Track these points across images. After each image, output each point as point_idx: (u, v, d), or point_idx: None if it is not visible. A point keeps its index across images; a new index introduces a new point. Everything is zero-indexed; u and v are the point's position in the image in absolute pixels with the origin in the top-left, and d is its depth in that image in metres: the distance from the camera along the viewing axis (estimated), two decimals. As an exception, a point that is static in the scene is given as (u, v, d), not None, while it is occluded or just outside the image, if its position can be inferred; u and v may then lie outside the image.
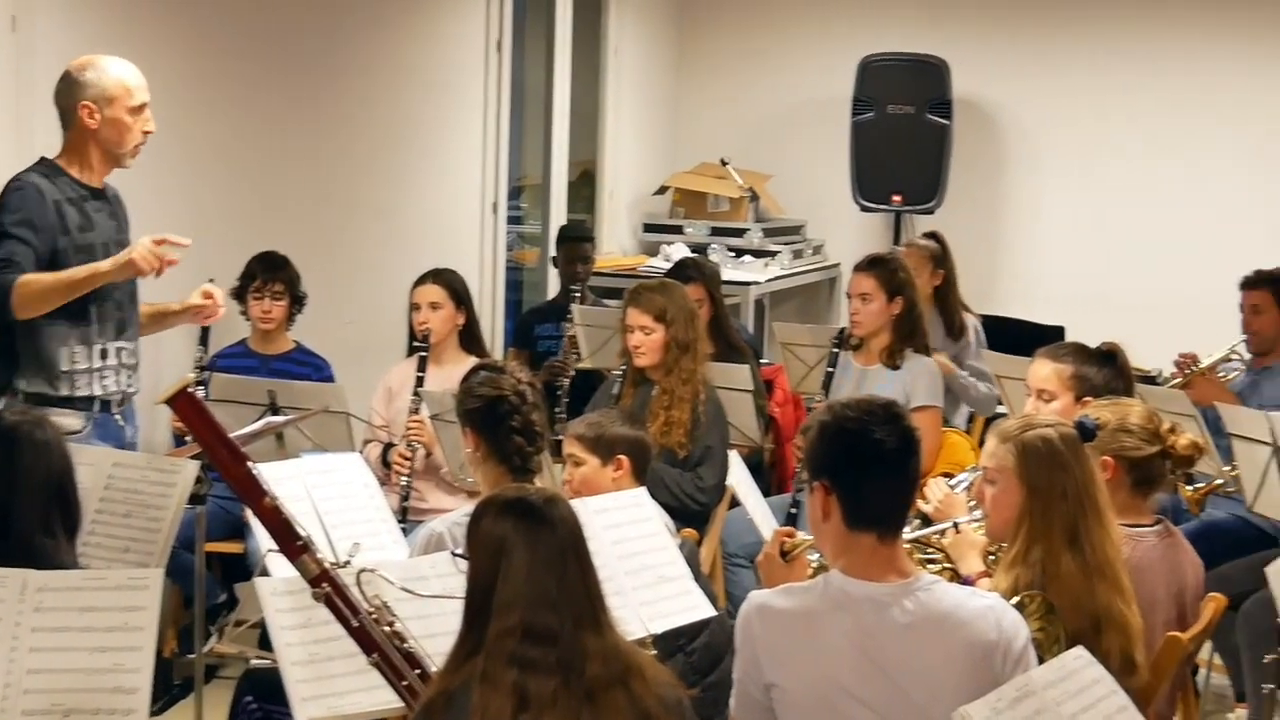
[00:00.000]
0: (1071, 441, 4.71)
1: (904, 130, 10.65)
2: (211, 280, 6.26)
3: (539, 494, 3.80)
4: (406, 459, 7.08)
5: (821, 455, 4.11)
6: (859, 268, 7.64)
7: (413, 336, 7.46)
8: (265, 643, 4.92)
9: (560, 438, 5.96)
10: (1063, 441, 4.69)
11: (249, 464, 4.08)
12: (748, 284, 10.27)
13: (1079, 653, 3.87)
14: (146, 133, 5.95)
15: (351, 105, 8.80)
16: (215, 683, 6.99)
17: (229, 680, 6.25)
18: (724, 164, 11.06)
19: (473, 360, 6.91)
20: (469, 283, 7.80)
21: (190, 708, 6.19)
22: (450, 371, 7.07)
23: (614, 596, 4.67)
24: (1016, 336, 7.36)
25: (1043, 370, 6.03)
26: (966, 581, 4.81)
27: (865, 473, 4.04)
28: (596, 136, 11.15)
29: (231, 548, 7.13)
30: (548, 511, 3.72)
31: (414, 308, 7.46)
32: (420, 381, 7.17)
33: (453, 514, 5.27)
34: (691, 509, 6.78)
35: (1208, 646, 7.12)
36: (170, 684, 7.05)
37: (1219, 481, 7.02)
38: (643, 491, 5.36)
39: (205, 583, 6.33)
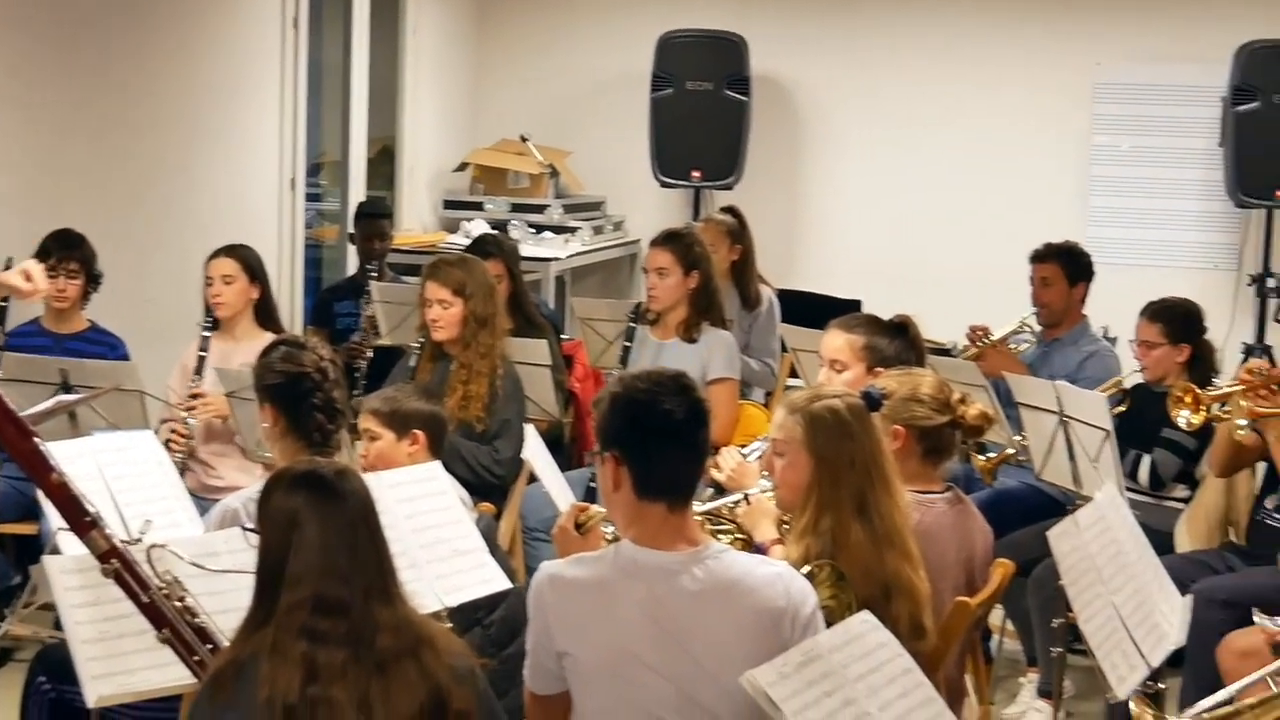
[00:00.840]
0: (858, 412, 4.76)
1: (703, 106, 10.71)
2: (10, 260, 6.18)
3: (330, 467, 3.80)
4: (184, 436, 7.03)
5: (612, 426, 4.13)
6: (655, 242, 7.68)
7: (207, 312, 7.39)
8: (61, 624, 4.86)
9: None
10: (850, 412, 4.73)
11: (35, 440, 4.04)
12: (548, 260, 10.28)
13: (865, 617, 3.94)
14: None
15: (147, 83, 8.71)
16: (10, 666, 6.92)
17: (24, 664, 6.18)
18: (524, 140, 11.06)
19: (269, 336, 6.88)
20: (267, 260, 7.75)
21: (-15, 690, 6.13)
22: (246, 347, 7.03)
23: (408, 570, 4.70)
24: (814, 310, 7.44)
25: (835, 341, 6.08)
26: (760, 550, 4.85)
27: (654, 443, 4.06)
28: (396, 113, 11.11)
29: (25, 529, 7.05)
30: (339, 484, 3.72)
31: (207, 281, 7.40)
32: (203, 358, 7.14)
33: (248, 490, 5.24)
34: (488, 481, 6.78)
35: (1001, 613, 7.27)
36: (-34, 667, 6.97)
37: (1010, 451, 7.15)
38: (437, 465, 5.37)
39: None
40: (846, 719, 3.61)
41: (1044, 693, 6.80)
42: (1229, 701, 3.82)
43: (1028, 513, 7.16)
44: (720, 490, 5.46)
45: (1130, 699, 4.08)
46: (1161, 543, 6.80)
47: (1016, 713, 7.05)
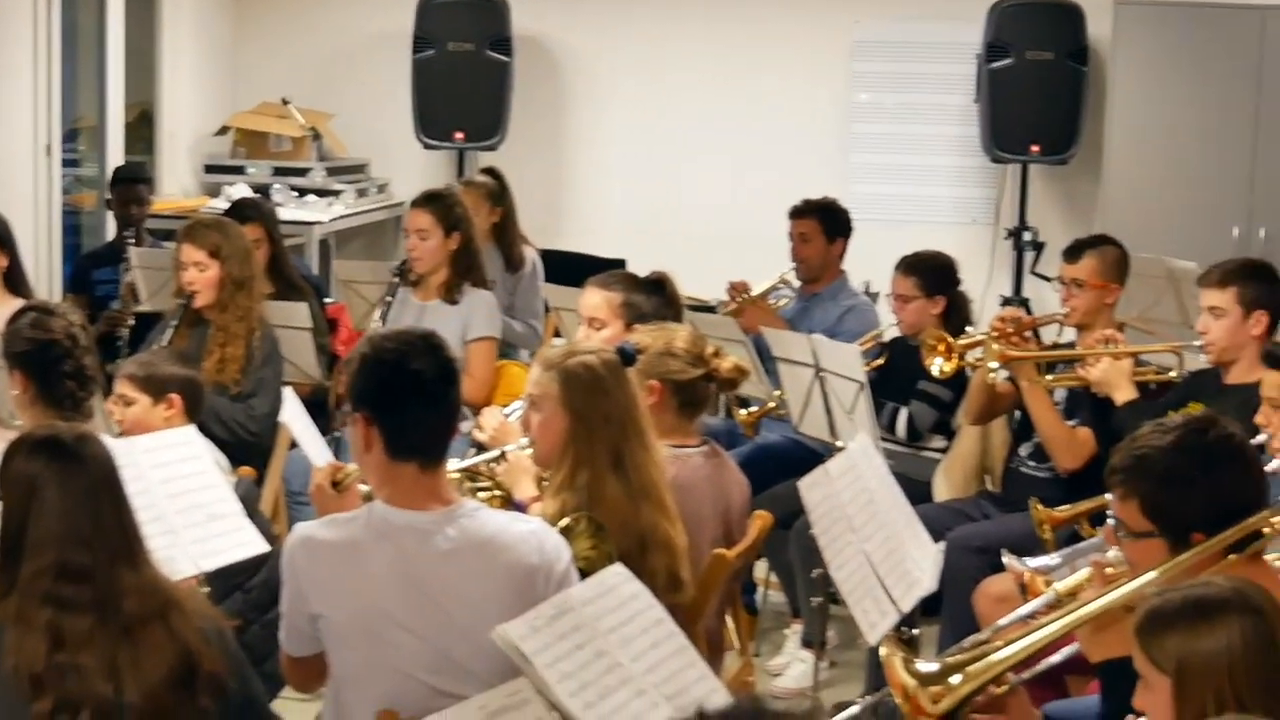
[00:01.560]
0: (613, 367, 4.80)
1: (464, 68, 10.64)
2: None
3: (70, 431, 3.76)
4: None
5: (361, 386, 4.13)
6: (415, 204, 7.64)
7: (-44, 282, 7.26)
8: None
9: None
10: (604, 367, 4.77)
11: None
12: (311, 224, 10.20)
13: (617, 570, 3.97)
14: None
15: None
16: None
17: None
18: (285, 104, 10.95)
19: (19, 302, 6.76)
20: (23, 227, 7.62)
21: None
22: (-2, 314, 6.92)
23: (164, 536, 4.68)
24: (579, 270, 7.45)
25: (593, 299, 6.13)
26: (519, 507, 4.87)
27: (404, 403, 4.06)
28: (154, 77, 10.93)
29: None
30: (79, 449, 3.69)
31: (-45, 253, 7.26)
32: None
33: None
34: (244, 439, 6.71)
35: (765, 565, 7.36)
36: None
37: (770, 405, 7.22)
38: (192, 430, 5.33)
39: None
40: (599, 670, 3.64)
41: (808, 643, 6.87)
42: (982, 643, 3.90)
43: (789, 466, 7.21)
44: (483, 451, 5.47)
45: (880, 642, 4.14)
46: (920, 492, 6.92)
47: (781, 664, 7.14)
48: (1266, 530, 3.89)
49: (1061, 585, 4.15)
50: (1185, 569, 3.72)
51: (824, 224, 8.24)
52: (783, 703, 2.64)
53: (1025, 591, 4.59)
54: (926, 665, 3.69)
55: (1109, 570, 4.00)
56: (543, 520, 4.40)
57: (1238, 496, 3.88)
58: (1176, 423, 3.98)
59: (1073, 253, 6.82)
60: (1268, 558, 4.11)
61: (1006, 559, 4.86)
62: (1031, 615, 4.25)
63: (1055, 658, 3.98)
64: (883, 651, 3.82)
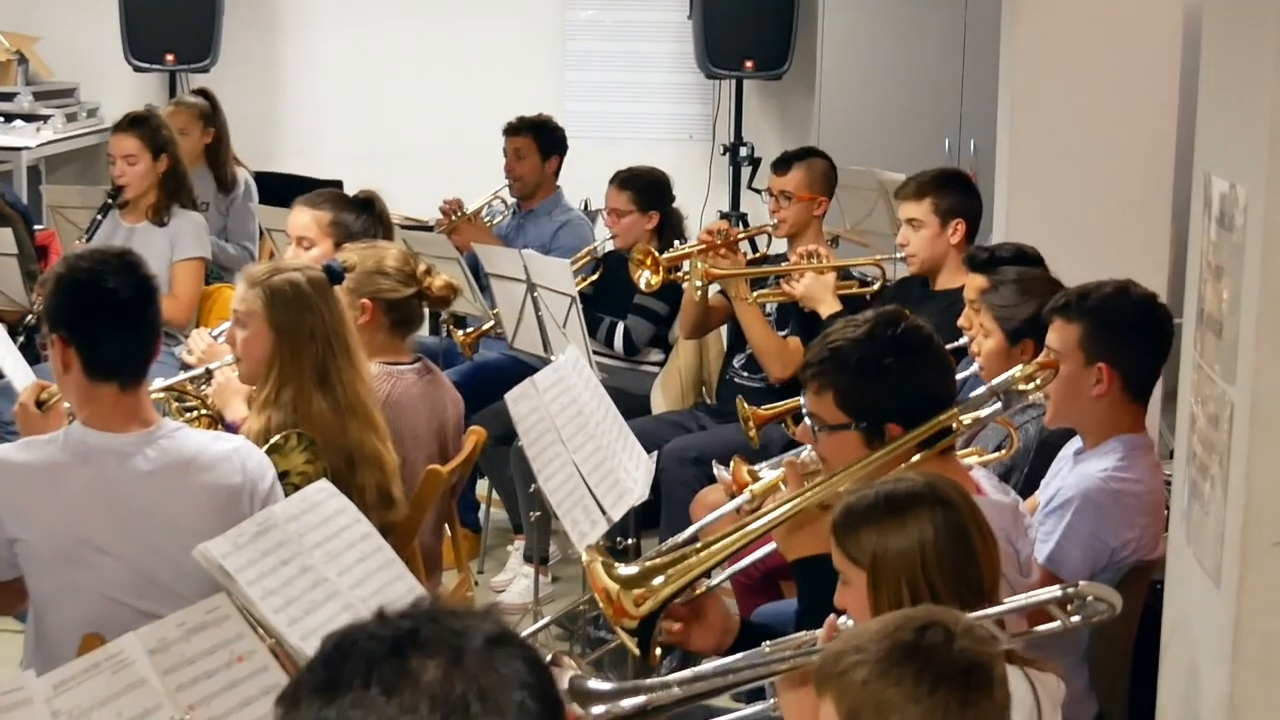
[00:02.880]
0: (319, 284, 4.78)
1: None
2: None
3: None
4: None
5: (57, 306, 4.08)
6: (119, 128, 7.51)
7: None
8: None
9: None
10: (310, 285, 4.76)
11: None
12: (19, 149, 9.97)
13: (321, 485, 3.97)
14: None
15: None
16: None
17: None
18: (-12, 27, 10.70)
19: None
20: None
21: None
22: None
23: None
24: (296, 191, 7.35)
25: (302, 218, 6.10)
26: (231, 428, 4.84)
27: (100, 323, 4.02)
28: None
29: None
30: None
31: None
32: None
33: None
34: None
35: (488, 485, 7.39)
36: None
37: (488, 325, 7.23)
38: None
39: None
40: (304, 585, 3.64)
41: (529, 558, 6.91)
42: (687, 544, 3.95)
43: (508, 383, 7.16)
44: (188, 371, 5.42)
45: (584, 549, 4.18)
46: (638, 406, 7.01)
47: (504, 580, 7.17)
48: (955, 426, 3.97)
49: (757, 486, 4.20)
50: (878, 467, 3.79)
51: (538, 141, 8.25)
52: None
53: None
54: (628, 569, 3.73)
55: (804, 470, 4.07)
56: (248, 439, 4.38)
57: (930, 386, 3.97)
58: (867, 317, 4.06)
59: (780, 165, 6.92)
60: (964, 460, 4.22)
61: (717, 470, 4.93)
62: (731, 514, 4.32)
63: (753, 556, 4.04)
64: (585, 558, 3.86)
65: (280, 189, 8.47)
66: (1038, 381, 4.40)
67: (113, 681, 3.14)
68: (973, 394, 4.40)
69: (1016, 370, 4.44)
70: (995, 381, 4.40)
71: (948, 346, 4.36)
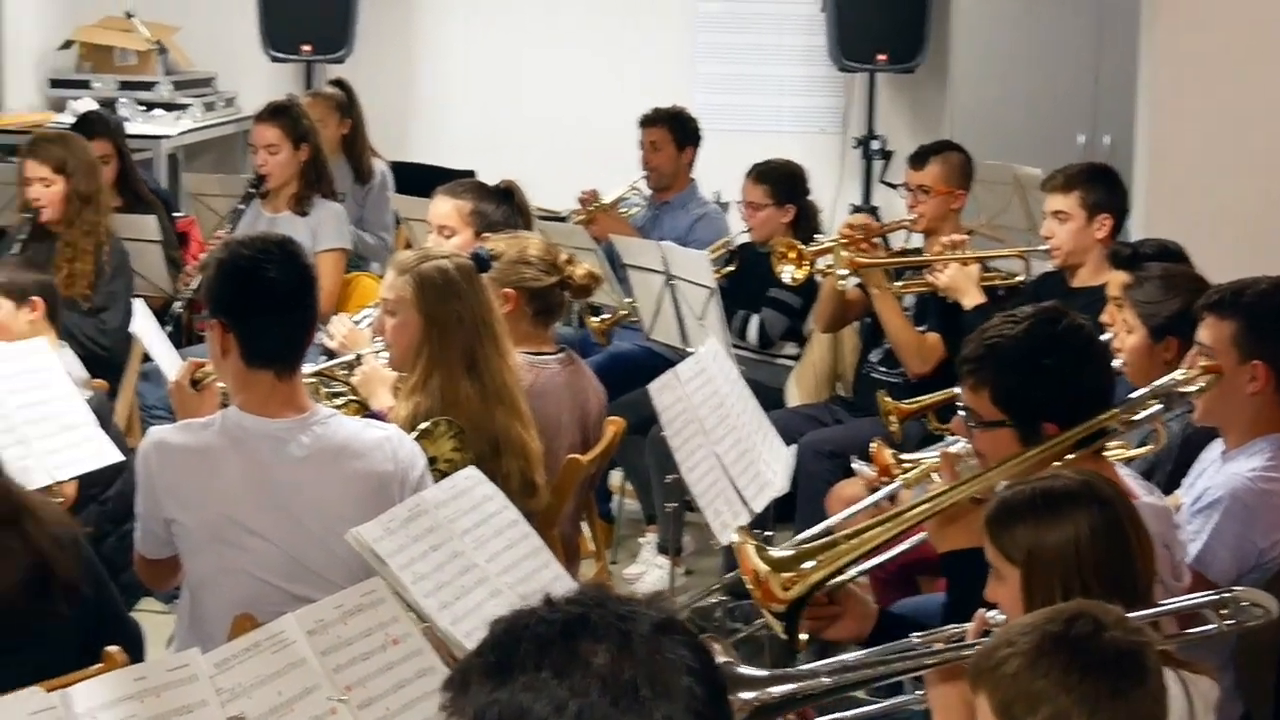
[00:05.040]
0: (467, 272, 4.83)
1: (312, -21, 10.58)
2: None
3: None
4: None
5: (217, 292, 4.14)
6: (260, 118, 7.60)
7: None
8: None
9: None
10: (458, 272, 4.81)
11: None
12: (159, 138, 10.09)
13: (470, 472, 4.00)
14: None
15: None
16: None
17: None
18: (129, 17, 10.79)
19: None
20: None
21: None
22: None
23: (17, 447, 4.67)
24: (429, 181, 7.42)
25: (442, 207, 6.14)
26: (378, 416, 4.89)
27: (260, 311, 4.08)
28: (-6, -10, 10.76)
29: None
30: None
31: None
32: None
33: None
34: (96, 353, 6.66)
35: (622, 474, 7.42)
36: None
37: (623, 312, 7.27)
38: (43, 341, 5.33)
39: None
40: (454, 571, 3.68)
41: (663, 549, 6.92)
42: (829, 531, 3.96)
43: (643, 373, 7.19)
44: (334, 358, 5.48)
45: (733, 532, 4.19)
46: (772, 399, 6.99)
47: (637, 571, 7.18)
48: (1114, 426, 3.95)
49: (910, 475, 4.20)
50: (1032, 464, 3.78)
51: (674, 132, 8.28)
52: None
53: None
54: (779, 551, 3.74)
55: (958, 462, 4.06)
56: (398, 426, 4.42)
57: (1087, 386, 3.94)
58: (1027, 313, 4.03)
59: (918, 159, 6.90)
60: (1110, 455, 4.20)
61: (856, 465, 4.93)
62: (878, 505, 4.32)
63: (902, 546, 4.03)
64: (735, 539, 3.86)
65: (415, 179, 8.54)
66: (1200, 385, 4.36)
67: (273, 661, 3.19)
68: (1130, 395, 4.35)
69: (1179, 373, 4.40)
70: (1158, 383, 4.35)
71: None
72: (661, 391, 4.94)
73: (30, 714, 2.86)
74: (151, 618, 5.45)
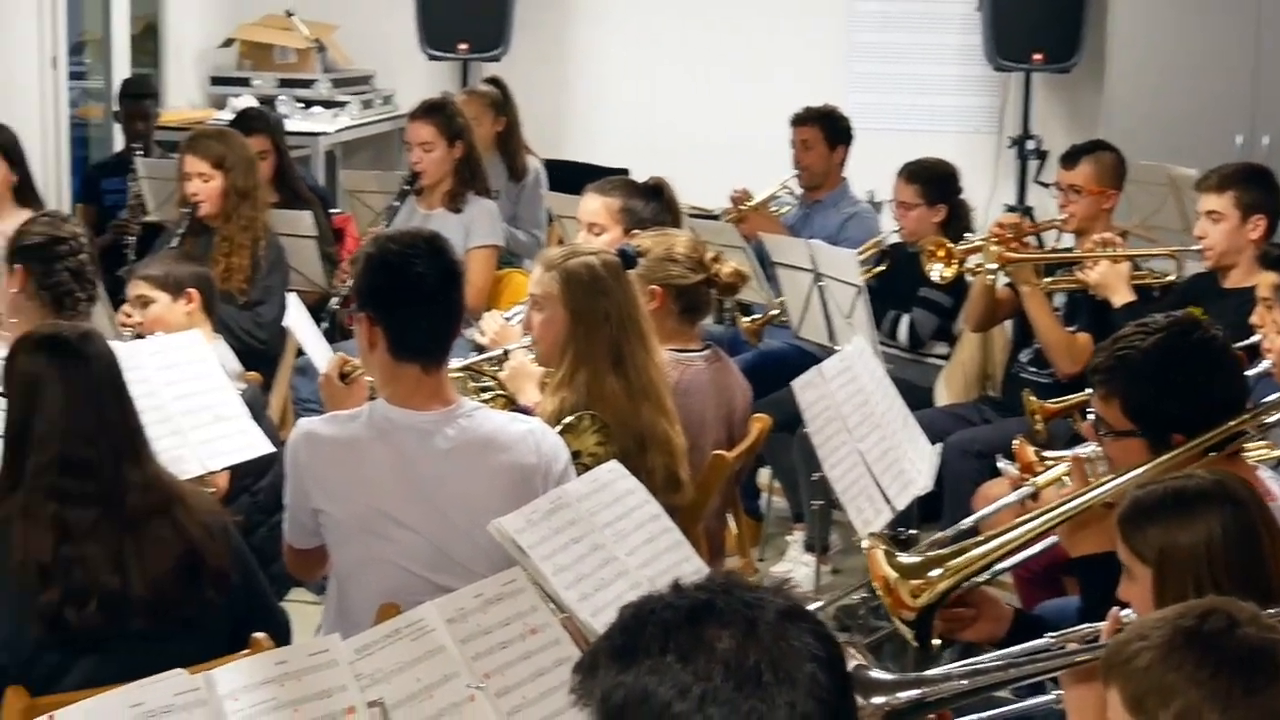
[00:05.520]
0: (614, 268, 4.86)
1: (468, -22, 10.68)
2: None
3: (72, 330, 3.83)
4: None
5: (366, 286, 4.19)
6: (415, 115, 7.69)
7: (-39, 193, 7.30)
8: None
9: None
10: (605, 268, 4.83)
11: None
12: (317, 135, 10.23)
13: (612, 466, 4.03)
14: None
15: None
16: None
17: None
18: (289, 15, 10.94)
19: (28, 214, 6.79)
20: (30, 139, 7.63)
21: None
22: (6, 227, 6.92)
23: (172, 437, 4.76)
24: (582, 179, 7.47)
25: (592, 205, 6.18)
26: (525, 411, 4.92)
27: (407, 304, 4.12)
28: (157, -11, 10.95)
29: None
30: (82, 347, 3.75)
31: (-38, 168, 7.29)
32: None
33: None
34: (252, 346, 6.75)
35: (770, 472, 7.43)
36: None
37: (773, 312, 7.29)
38: (198, 333, 5.42)
39: None
40: (594, 563, 3.70)
41: (810, 547, 6.93)
42: (968, 534, 3.96)
43: (792, 372, 7.22)
44: (485, 353, 5.53)
45: (868, 535, 4.20)
46: (922, 398, 6.99)
47: (784, 570, 7.18)
48: (1246, 430, 3.93)
49: (1040, 479, 4.19)
50: (1163, 470, 3.76)
51: (825, 131, 8.27)
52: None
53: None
54: (908, 558, 3.74)
55: (1089, 467, 4.05)
56: (542, 419, 4.46)
57: (1218, 397, 3.92)
58: (1160, 323, 4.01)
59: (1070, 159, 6.87)
60: (1249, 458, 4.17)
61: (1002, 464, 4.91)
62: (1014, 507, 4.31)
63: (1032, 550, 4.02)
64: (866, 544, 3.87)
65: (569, 177, 8.59)
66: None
67: (412, 648, 3.24)
68: (1268, 397, 4.32)
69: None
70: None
71: (1239, 345, 4.30)
72: (805, 389, 4.95)
73: (175, 694, 2.93)
74: (302, 608, 5.53)
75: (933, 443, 5.66)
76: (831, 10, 10.83)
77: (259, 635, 3.68)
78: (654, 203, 6.20)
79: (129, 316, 5.88)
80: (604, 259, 4.88)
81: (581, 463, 4.37)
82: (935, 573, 3.72)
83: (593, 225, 6.14)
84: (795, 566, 7.13)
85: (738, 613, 1.99)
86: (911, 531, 5.66)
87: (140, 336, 5.56)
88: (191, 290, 5.85)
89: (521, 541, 3.61)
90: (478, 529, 3.85)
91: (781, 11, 10.82)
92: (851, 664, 3.12)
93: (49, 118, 9.64)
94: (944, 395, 7.29)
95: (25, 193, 7.40)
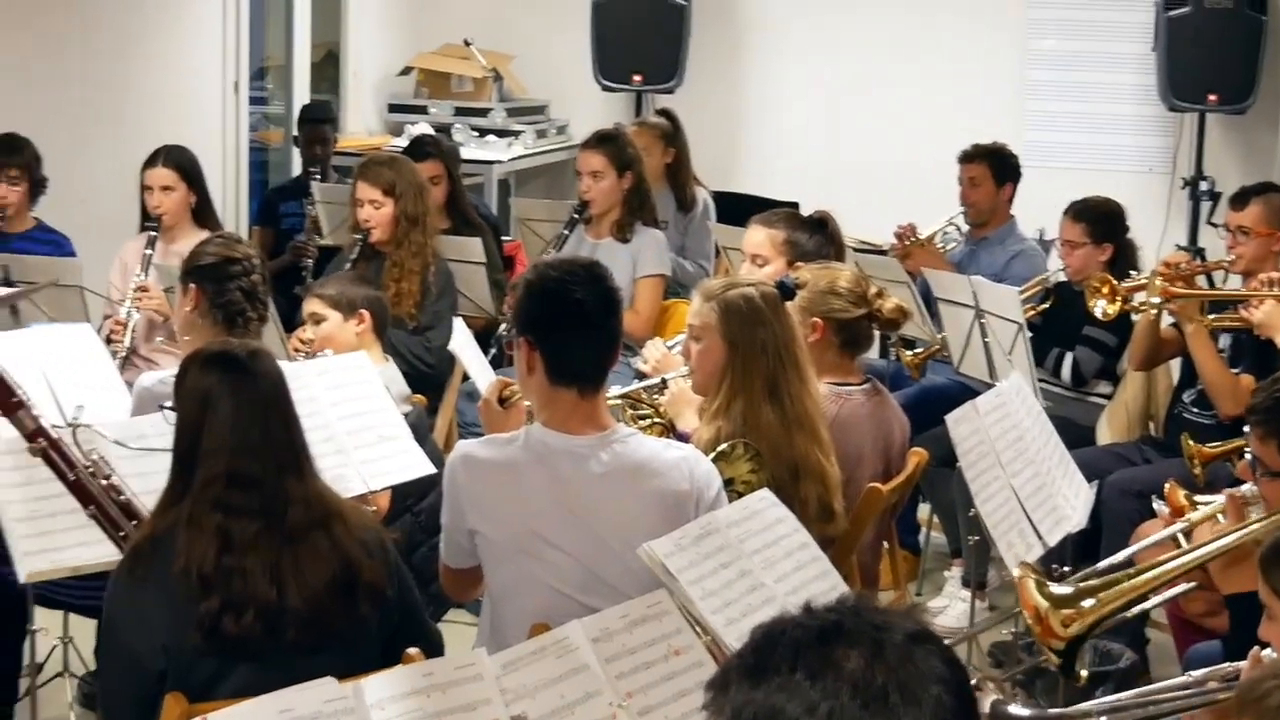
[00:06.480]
0: (772, 300, 4.90)
1: (643, 10, 10.72)
2: None
3: (243, 347, 3.93)
4: (121, 325, 7.09)
5: (525, 312, 4.25)
6: (587, 145, 7.79)
7: (145, 215, 7.45)
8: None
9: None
10: (763, 300, 4.87)
11: (-41, 323, 4.17)
12: (491, 163, 10.36)
13: (763, 494, 4.08)
14: None
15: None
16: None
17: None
18: (467, 44, 11.09)
19: (206, 234, 6.96)
20: (211, 162, 7.80)
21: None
22: (184, 247, 7.07)
23: (335, 455, 4.86)
24: (751, 211, 7.53)
25: (756, 236, 6.24)
26: (683, 438, 4.98)
27: (565, 330, 4.18)
28: (339, 17, 11.11)
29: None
30: (251, 364, 3.85)
31: (146, 189, 7.42)
32: (148, 257, 7.21)
33: (161, 371, 5.36)
34: (421, 370, 6.89)
35: (929, 509, 7.43)
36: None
37: (935, 347, 7.30)
38: (364, 355, 5.51)
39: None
40: (742, 589, 3.75)
41: (967, 583, 6.92)
42: (1120, 566, 3.97)
43: (953, 407, 7.23)
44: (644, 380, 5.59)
45: (1019, 564, 4.21)
46: (1083, 436, 6.97)
47: (941, 604, 7.18)
48: None
49: (1194, 515, 4.19)
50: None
51: (993, 168, 8.26)
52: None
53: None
54: (1060, 588, 3.75)
55: (1245, 504, 4.04)
56: (696, 447, 4.51)
57: None
58: (1320, 365, 4.01)
59: (1238, 200, 6.83)
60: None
61: (1157, 504, 4.90)
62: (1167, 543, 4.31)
63: (1184, 587, 4.02)
64: (1016, 573, 3.89)
65: (737, 209, 8.63)
66: None
67: (557, 665, 3.30)
68: None
69: None
70: None
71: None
72: (959, 423, 4.97)
73: (324, 702, 3.01)
74: (459, 629, 5.62)
75: (1091, 481, 5.65)
76: (1008, 49, 10.80)
77: (411, 651, 3.75)
78: (818, 235, 6.24)
79: (303, 343, 6.00)
80: (762, 290, 4.92)
81: (734, 490, 4.41)
82: (1087, 603, 3.73)
83: (756, 257, 6.19)
84: (952, 601, 7.12)
85: (866, 634, 2.03)
86: (1065, 569, 5.64)
87: (311, 357, 5.68)
88: (364, 311, 5.98)
89: (670, 565, 3.66)
90: (629, 552, 3.90)
91: (958, 48, 10.80)
92: (990, 699, 3.15)
93: (229, 141, 9.85)
94: (1106, 434, 7.26)
95: (204, 214, 7.55)
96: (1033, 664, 5.11)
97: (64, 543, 4.40)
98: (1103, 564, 4.18)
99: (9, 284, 6.69)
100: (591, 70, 10.80)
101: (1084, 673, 3.79)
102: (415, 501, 5.80)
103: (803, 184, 10.07)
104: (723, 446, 4.58)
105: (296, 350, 5.96)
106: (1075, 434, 6.53)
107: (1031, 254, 8.22)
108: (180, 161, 7.47)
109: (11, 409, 4.16)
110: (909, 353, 7.45)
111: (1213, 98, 9.84)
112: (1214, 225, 9.69)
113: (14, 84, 8.23)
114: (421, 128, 10.43)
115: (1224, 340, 6.64)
